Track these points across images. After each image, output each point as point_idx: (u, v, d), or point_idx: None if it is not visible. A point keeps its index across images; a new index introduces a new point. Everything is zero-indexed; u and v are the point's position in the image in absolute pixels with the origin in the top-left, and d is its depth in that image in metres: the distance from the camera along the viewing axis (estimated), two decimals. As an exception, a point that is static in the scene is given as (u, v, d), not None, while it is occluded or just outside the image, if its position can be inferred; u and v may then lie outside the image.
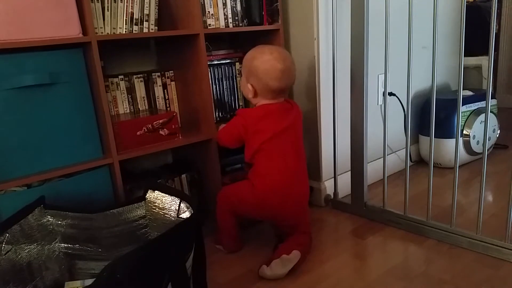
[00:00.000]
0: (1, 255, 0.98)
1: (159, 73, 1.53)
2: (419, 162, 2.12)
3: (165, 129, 1.38)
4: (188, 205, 1.04)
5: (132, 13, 1.32)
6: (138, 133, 1.33)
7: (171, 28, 1.46)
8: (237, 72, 1.63)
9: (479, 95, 2.01)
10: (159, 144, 1.37)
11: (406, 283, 1.15)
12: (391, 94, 1.84)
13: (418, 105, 2.06)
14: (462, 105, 1.92)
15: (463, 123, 1.96)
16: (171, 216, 1.09)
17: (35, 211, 1.07)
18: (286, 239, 1.28)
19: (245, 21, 1.54)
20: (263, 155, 1.24)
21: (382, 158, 1.47)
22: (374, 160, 1.81)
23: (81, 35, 1.17)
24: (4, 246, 0.99)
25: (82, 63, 1.21)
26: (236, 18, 1.52)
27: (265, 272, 1.19)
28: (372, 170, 1.73)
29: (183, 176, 1.52)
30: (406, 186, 1.41)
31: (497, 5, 1.29)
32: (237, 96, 1.65)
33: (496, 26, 3.03)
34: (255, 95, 1.28)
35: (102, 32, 1.28)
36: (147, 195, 1.16)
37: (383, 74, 1.42)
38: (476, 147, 1.99)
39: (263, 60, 1.24)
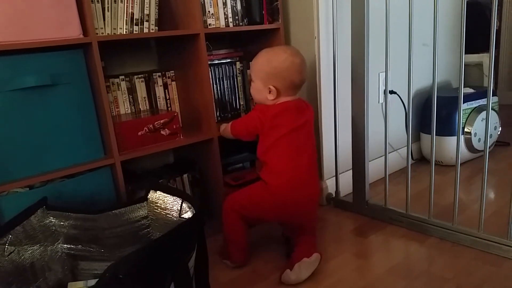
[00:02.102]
0: (4, 256, 0.98)
1: (159, 73, 1.53)
2: (420, 160, 2.12)
3: (166, 129, 1.38)
4: (190, 205, 1.04)
5: (133, 14, 1.32)
6: (139, 133, 1.33)
7: (172, 28, 1.46)
8: (237, 71, 1.63)
9: (480, 93, 2.01)
10: (160, 144, 1.37)
11: (408, 281, 1.15)
12: (392, 92, 1.83)
13: (419, 103, 2.06)
14: (463, 103, 1.91)
15: (464, 121, 1.96)
16: (173, 216, 1.09)
17: (38, 212, 1.08)
18: (299, 242, 1.27)
19: (245, 21, 1.54)
20: (277, 151, 1.23)
21: (384, 156, 1.47)
22: (375, 159, 1.81)
23: (81, 36, 1.17)
24: (7, 248, 0.99)
25: (83, 63, 1.21)
26: (237, 17, 1.52)
27: (289, 277, 1.17)
28: (374, 168, 1.72)
29: (185, 176, 1.52)
30: (408, 184, 1.41)
31: (498, 1, 1.29)
32: (238, 95, 1.65)
33: (496, 22, 3.03)
34: (278, 95, 1.27)
35: (102, 33, 1.28)
36: (149, 195, 1.16)
37: (384, 72, 1.42)
38: (478, 145, 1.99)
39: (281, 60, 1.25)
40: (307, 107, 1.31)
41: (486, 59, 2.47)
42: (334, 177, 1.67)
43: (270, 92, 1.26)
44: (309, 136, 1.29)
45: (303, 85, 1.31)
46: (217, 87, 1.59)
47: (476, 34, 2.07)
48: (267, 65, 1.26)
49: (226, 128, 1.38)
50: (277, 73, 1.25)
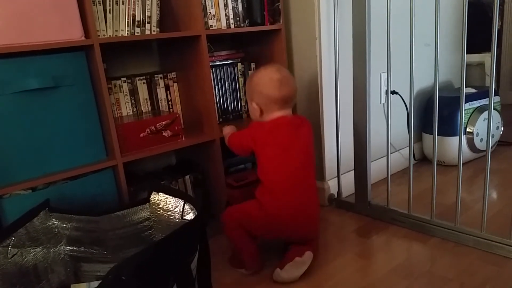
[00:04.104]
0: (7, 258, 0.98)
1: (161, 75, 1.53)
2: (422, 160, 2.12)
3: (168, 131, 1.38)
4: (192, 206, 1.05)
5: (134, 15, 1.32)
6: (141, 135, 1.33)
7: (173, 29, 1.46)
8: (239, 72, 1.64)
9: (482, 92, 2.00)
10: (162, 146, 1.37)
11: (410, 281, 1.15)
12: (393, 92, 1.83)
13: (421, 103, 2.06)
14: (465, 103, 1.91)
15: (466, 121, 1.95)
16: (175, 217, 1.09)
17: (40, 214, 1.08)
18: (295, 244, 1.27)
19: (246, 22, 1.55)
20: (272, 171, 1.23)
21: (386, 157, 1.47)
22: (377, 159, 1.81)
23: (83, 38, 1.18)
24: (10, 250, 0.99)
25: (85, 66, 1.21)
26: (238, 18, 1.52)
27: (280, 275, 1.18)
28: (376, 169, 1.73)
29: (187, 177, 1.52)
30: (410, 185, 1.41)
31: (500, 1, 1.29)
32: (240, 96, 1.65)
33: (498, 22, 3.02)
34: (261, 113, 1.28)
35: (104, 35, 1.28)
36: (151, 197, 1.16)
37: (385, 73, 1.42)
38: (480, 145, 1.98)
39: (259, 76, 1.28)
40: (302, 123, 1.29)
41: (488, 58, 2.47)
42: (336, 178, 1.67)
43: (256, 108, 1.28)
44: (305, 154, 1.26)
45: (292, 100, 1.29)
46: (218, 88, 1.59)
47: (478, 34, 2.07)
48: (249, 83, 1.31)
49: (226, 137, 1.38)
50: (256, 89, 1.28)
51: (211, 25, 1.45)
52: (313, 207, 1.28)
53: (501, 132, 2.11)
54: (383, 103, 1.86)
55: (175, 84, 1.56)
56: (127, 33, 1.32)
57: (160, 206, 1.14)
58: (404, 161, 1.99)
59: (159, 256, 0.81)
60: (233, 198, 1.47)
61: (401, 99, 1.88)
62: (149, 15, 1.35)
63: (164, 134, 1.38)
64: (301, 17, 1.59)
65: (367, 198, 1.55)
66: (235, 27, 1.51)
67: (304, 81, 1.64)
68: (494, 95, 1.18)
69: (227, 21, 1.49)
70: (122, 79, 1.45)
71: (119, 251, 1.17)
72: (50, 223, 1.10)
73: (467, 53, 1.22)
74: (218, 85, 1.59)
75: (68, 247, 1.13)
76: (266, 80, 1.26)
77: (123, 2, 1.29)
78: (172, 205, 1.10)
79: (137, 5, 1.32)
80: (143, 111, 1.51)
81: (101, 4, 1.26)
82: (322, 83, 1.59)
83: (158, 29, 1.39)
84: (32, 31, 1.10)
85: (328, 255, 1.32)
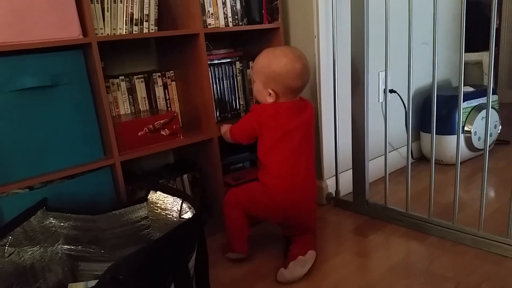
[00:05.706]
0: (4, 257, 0.98)
1: (159, 73, 1.53)
2: (420, 159, 2.12)
3: (166, 129, 1.38)
4: (190, 205, 1.04)
5: (132, 14, 1.32)
6: (139, 133, 1.33)
7: (171, 28, 1.46)
8: (237, 71, 1.63)
9: (480, 91, 2.01)
10: (160, 145, 1.37)
11: (408, 280, 1.15)
12: (391, 91, 1.83)
13: (419, 102, 2.06)
14: (463, 101, 1.91)
15: (464, 120, 1.95)
16: (173, 216, 1.09)
17: (38, 213, 1.07)
18: (296, 240, 1.28)
19: (245, 20, 1.54)
20: (275, 153, 1.24)
21: (384, 156, 1.47)
22: (375, 158, 1.81)
23: (81, 36, 1.17)
24: (7, 249, 0.99)
25: (83, 64, 1.21)
26: (236, 17, 1.52)
27: (284, 275, 1.17)
28: (374, 167, 1.72)
29: (185, 176, 1.52)
30: (408, 184, 1.41)
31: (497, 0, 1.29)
32: (238, 95, 1.65)
33: (496, 21, 3.02)
34: (276, 99, 1.26)
35: (102, 33, 1.28)
36: (149, 195, 1.16)
37: (384, 71, 1.42)
38: (478, 143, 1.99)
39: (281, 65, 1.22)
40: (305, 106, 1.29)
41: (486, 57, 2.47)
42: (334, 177, 1.67)
43: (270, 95, 1.26)
44: (307, 137, 1.28)
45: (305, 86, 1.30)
46: (216, 87, 1.59)
47: (476, 33, 2.07)
48: (266, 68, 1.25)
49: (226, 133, 1.38)
50: (276, 78, 1.23)
51: (209, 24, 1.45)
52: (311, 189, 1.30)
53: (498, 131, 2.11)
54: (381, 102, 1.86)
55: (173, 83, 1.56)
56: (125, 32, 1.32)
57: (158, 205, 1.14)
58: (402, 160, 1.99)
59: (157, 255, 0.81)
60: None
61: (399, 97, 1.88)
62: (147, 13, 1.35)
63: (162, 132, 1.37)
64: (300, 15, 1.59)
65: (365, 197, 1.55)
66: (233, 25, 1.51)
67: (303, 80, 1.63)
68: (492, 94, 1.18)
69: (226, 20, 1.49)
70: (120, 77, 1.44)
71: (117, 250, 1.17)
72: (48, 222, 1.10)
73: (465, 52, 1.22)
74: (216, 84, 1.58)
75: (65, 246, 1.13)
76: (288, 69, 1.22)
77: (121, 1, 1.29)
78: (170, 204, 1.10)
79: (135, 3, 1.32)
80: (141, 109, 1.50)
81: (99, 2, 1.26)
82: (320, 82, 1.58)
83: (156, 28, 1.39)
84: (29, 29, 1.09)
85: (326, 254, 1.32)
